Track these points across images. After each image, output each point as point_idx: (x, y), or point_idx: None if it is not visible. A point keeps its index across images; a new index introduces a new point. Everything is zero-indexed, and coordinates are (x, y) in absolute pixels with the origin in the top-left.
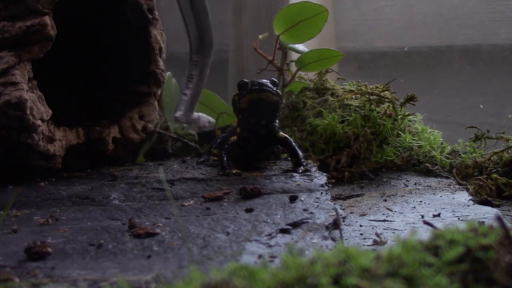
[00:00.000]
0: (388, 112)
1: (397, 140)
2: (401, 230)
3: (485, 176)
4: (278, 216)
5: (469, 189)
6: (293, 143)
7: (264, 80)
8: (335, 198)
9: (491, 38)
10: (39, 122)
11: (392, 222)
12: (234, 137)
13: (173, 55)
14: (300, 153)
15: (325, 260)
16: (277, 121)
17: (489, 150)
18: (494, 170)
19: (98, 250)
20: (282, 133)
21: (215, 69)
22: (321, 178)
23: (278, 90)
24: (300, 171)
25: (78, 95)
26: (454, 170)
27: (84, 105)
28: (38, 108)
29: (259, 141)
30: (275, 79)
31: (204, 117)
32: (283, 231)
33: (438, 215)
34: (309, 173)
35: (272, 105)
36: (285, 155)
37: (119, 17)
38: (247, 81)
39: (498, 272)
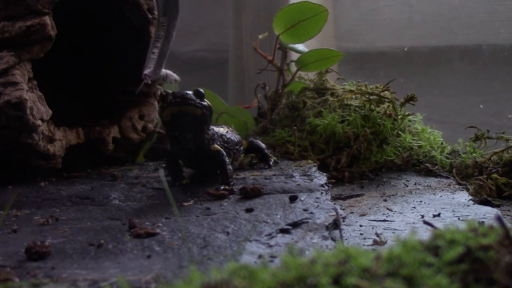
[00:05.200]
0: (388, 112)
1: (397, 140)
2: (401, 230)
3: (485, 176)
4: (278, 216)
5: (469, 189)
6: (224, 158)
7: (187, 92)
8: (335, 198)
9: (491, 38)
10: (39, 122)
11: (392, 222)
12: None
13: (173, 55)
14: (228, 171)
15: (325, 260)
16: (208, 132)
17: (489, 150)
18: (494, 170)
19: (98, 250)
20: (215, 146)
21: (215, 69)
22: (321, 178)
23: (203, 102)
24: (221, 188)
25: (78, 95)
26: (454, 170)
27: (84, 105)
28: (38, 108)
29: (189, 154)
30: (200, 90)
31: (172, 75)
32: (283, 231)
33: (438, 215)
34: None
35: (196, 118)
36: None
37: (119, 16)
38: (169, 92)
39: (498, 272)
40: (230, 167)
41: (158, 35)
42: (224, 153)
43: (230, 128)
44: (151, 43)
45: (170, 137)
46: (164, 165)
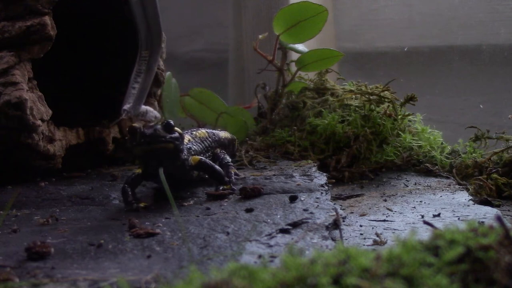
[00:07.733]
0: (388, 112)
1: (397, 140)
2: (401, 230)
3: (485, 176)
4: (278, 216)
5: (469, 189)
6: (208, 164)
7: (156, 128)
8: (335, 198)
9: (491, 38)
10: (39, 122)
11: (392, 222)
12: (139, 170)
13: (173, 55)
14: (219, 171)
15: (325, 260)
16: (185, 151)
17: (489, 150)
18: (494, 170)
19: (98, 250)
20: (195, 157)
21: (215, 69)
22: (321, 178)
23: (173, 134)
24: (221, 189)
25: (78, 95)
26: (454, 170)
27: (84, 105)
28: (38, 108)
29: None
30: (169, 121)
31: (152, 112)
32: (283, 231)
33: (438, 215)
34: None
35: (169, 152)
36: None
37: (118, 16)
38: (137, 127)
39: (498, 272)
40: (218, 168)
41: (140, 70)
42: (204, 158)
43: (204, 130)
44: (132, 78)
45: (144, 165)
46: (123, 187)
